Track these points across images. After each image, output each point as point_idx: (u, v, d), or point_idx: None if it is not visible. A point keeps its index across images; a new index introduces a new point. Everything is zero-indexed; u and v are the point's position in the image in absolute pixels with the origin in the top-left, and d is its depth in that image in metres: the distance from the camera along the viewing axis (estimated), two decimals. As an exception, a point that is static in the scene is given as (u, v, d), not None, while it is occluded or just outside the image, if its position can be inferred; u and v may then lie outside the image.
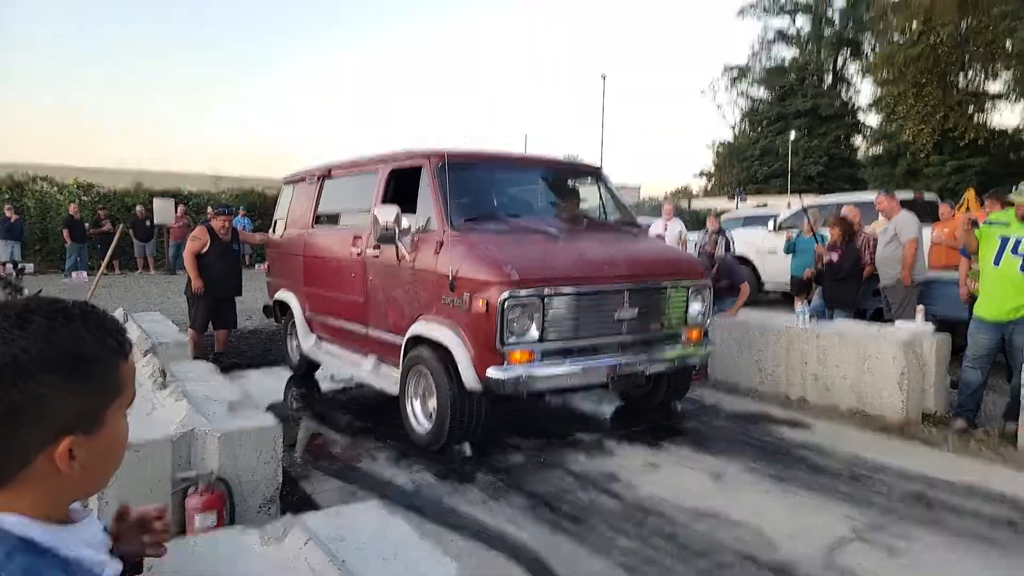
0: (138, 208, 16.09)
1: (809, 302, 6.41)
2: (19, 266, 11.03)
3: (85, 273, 14.07)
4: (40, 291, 5.42)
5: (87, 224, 15.39)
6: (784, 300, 10.28)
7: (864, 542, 3.02)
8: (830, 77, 38.00)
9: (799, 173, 33.26)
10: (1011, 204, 4.60)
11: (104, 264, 8.51)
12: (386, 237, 4.22)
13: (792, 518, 3.27)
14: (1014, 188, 4.69)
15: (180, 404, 3.03)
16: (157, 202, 16.05)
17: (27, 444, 0.73)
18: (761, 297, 10.97)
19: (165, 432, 2.77)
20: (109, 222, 15.44)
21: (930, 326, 5.28)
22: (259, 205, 18.01)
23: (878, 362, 4.93)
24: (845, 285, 6.36)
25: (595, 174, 5.40)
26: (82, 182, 17.26)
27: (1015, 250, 4.46)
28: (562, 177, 5.45)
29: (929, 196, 10.53)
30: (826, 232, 6.86)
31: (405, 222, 4.24)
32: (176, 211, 16.13)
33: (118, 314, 5.48)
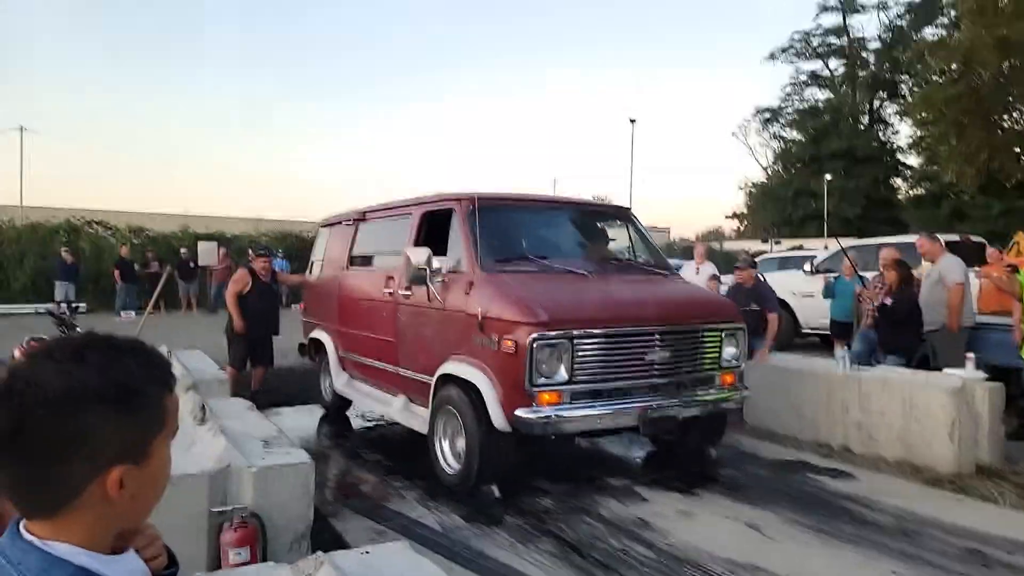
0: (182, 251, 16.67)
1: (849, 347, 6.23)
2: (72, 305, 11.48)
3: (133, 312, 14.53)
4: (92, 329, 5.63)
5: (137, 265, 15.98)
6: (822, 344, 10.03)
7: (912, 599, 2.87)
8: (866, 118, 37.65)
9: (836, 215, 32.71)
10: None
11: (151, 303, 8.79)
12: (418, 278, 4.29)
13: (835, 573, 3.13)
14: None
15: (218, 440, 3.08)
16: (201, 245, 16.56)
17: (80, 474, 0.76)
18: (798, 341, 10.73)
19: (203, 467, 2.81)
20: (157, 263, 16.01)
21: (981, 374, 5.08)
22: (297, 247, 18.49)
23: (926, 411, 4.74)
24: (903, 330, 6.12)
25: (624, 215, 5.42)
26: (133, 225, 18.03)
27: None
28: (591, 218, 5.50)
29: (976, 239, 10.26)
30: (867, 275, 6.72)
31: (436, 263, 4.31)
32: (219, 253, 16.65)
33: (161, 351, 5.64)
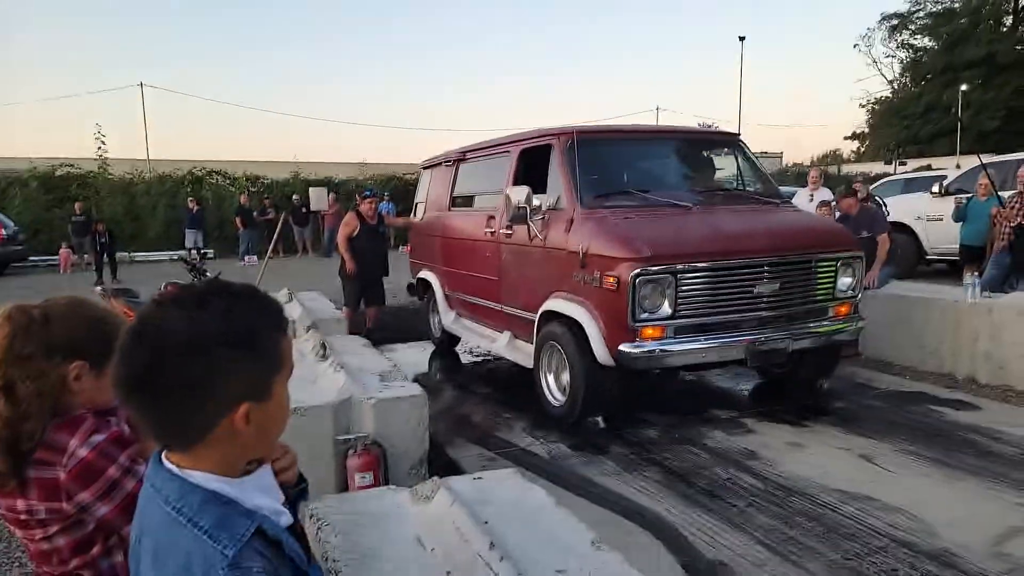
0: (294, 198, 17.56)
1: (980, 274, 5.74)
2: (202, 252, 12.52)
3: (255, 257, 15.64)
4: (219, 273, 6.14)
5: (255, 212, 17.07)
6: (951, 271, 9.27)
7: (1043, 536, 2.74)
8: (1010, 19, 32.99)
9: (971, 130, 29.38)
10: None
11: (270, 249, 9.44)
12: (518, 217, 4.34)
13: (955, 505, 3.03)
14: None
15: (339, 375, 3.35)
16: (312, 191, 17.31)
17: (212, 411, 0.84)
18: (923, 268, 9.97)
19: (327, 399, 3.08)
20: (273, 210, 17.02)
21: None
22: (401, 190, 19.01)
23: (1067, 339, 4.35)
24: None
25: (732, 142, 5.17)
26: (250, 174, 19.16)
27: None
28: (696, 147, 5.28)
29: None
30: (1005, 194, 6.08)
31: (536, 201, 4.33)
32: (328, 198, 17.42)
33: (283, 293, 6.09)
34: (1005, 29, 32.49)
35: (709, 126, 5.68)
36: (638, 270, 3.67)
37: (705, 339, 3.87)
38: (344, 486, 2.95)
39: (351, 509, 2.02)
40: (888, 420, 4.16)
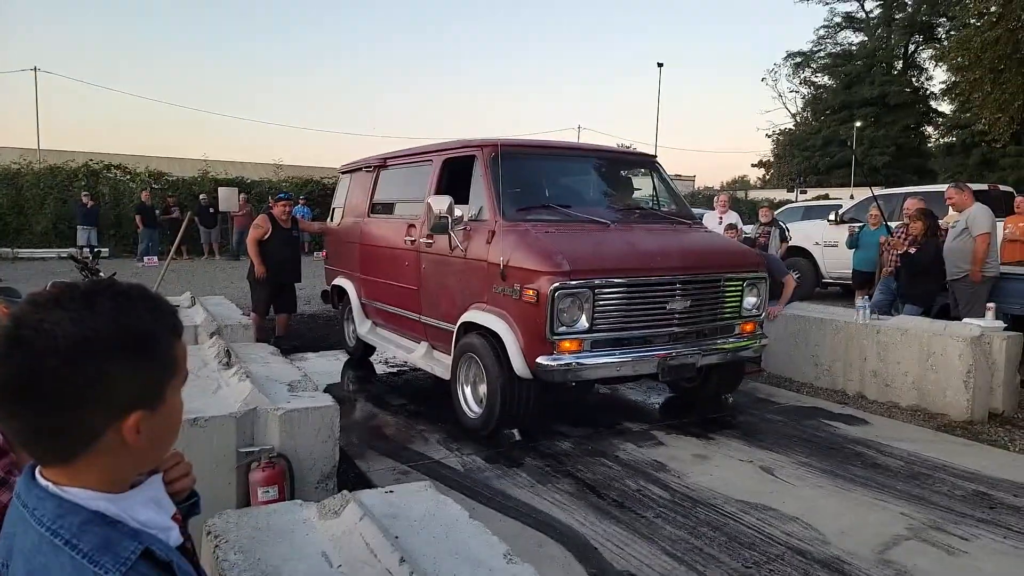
0: (201, 196, 16.73)
1: (870, 297, 6.19)
2: (95, 250, 11.69)
3: (156, 258, 14.75)
4: (115, 274, 5.74)
5: (157, 211, 16.13)
6: (843, 294, 9.97)
7: (921, 541, 2.95)
8: (900, 63, 36.25)
9: (864, 164, 31.92)
10: None
11: (173, 250, 8.92)
12: (439, 227, 4.30)
13: (846, 514, 3.21)
14: None
15: (244, 384, 3.18)
16: (222, 191, 16.68)
17: (97, 421, 0.77)
18: (819, 291, 10.66)
19: (229, 409, 2.92)
20: (178, 209, 16.13)
21: (1000, 324, 5.05)
22: (317, 194, 18.50)
23: (943, 359, 4.75)
24: (923, 280, 6.08)
25: (649, 164, 5.35)
26: (153, 170, 18.10)
27: None
28: (616, 167, 5.43)
29: (1005, 188, 9.99)
30: (893, 224, 6.60)
31: (458, 212, 4.31)
32: (239, 199, 16.73)
33: (186, 297, 5.76)
34: (896, 72, 35.55)
35: (628, 147, 5.86)
36: (557, 284, 3.71)
37: (620, 353, 3.95)
38: (246, 501, 2.80)
39: (253, 524, 1.91)
40: (786, 434, 4.38)
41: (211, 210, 16.56)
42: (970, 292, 5.84)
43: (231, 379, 3.33)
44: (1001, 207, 7.60)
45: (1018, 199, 7.79)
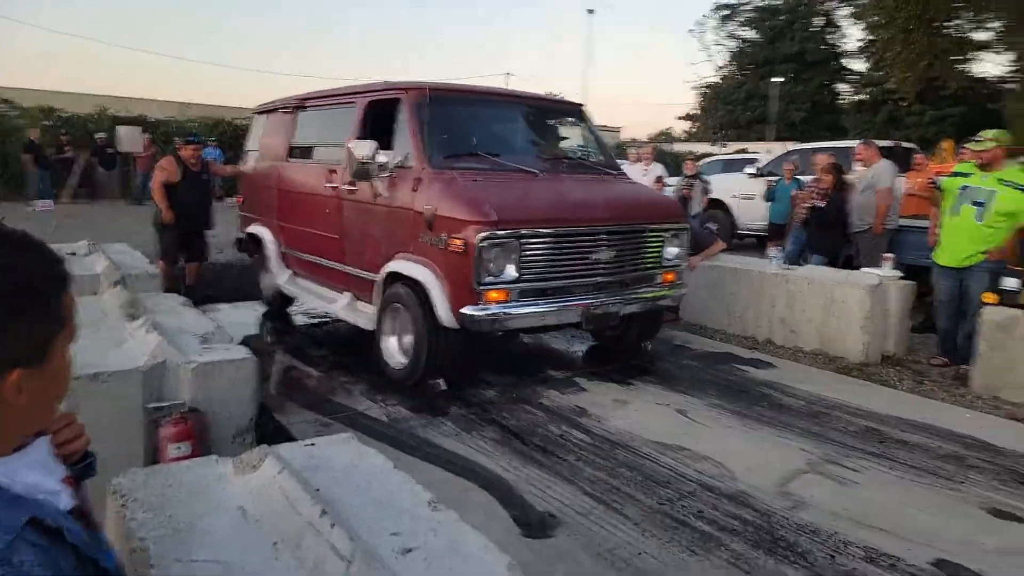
0: (99, 136, 15.48)
1: (782, 248, 6.49)
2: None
3: (51, 201, 13.62)
4: (3, 219, 5.27)
5: (50, 150, 14.83)
6: (758, 246, 10.41)
7: (818, 474, 3.18)
8: (820, 20, 37.26)
9: (783, 119, 33.03)
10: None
11: (69, 192, 8.26)
12: (362, 173, 4.14)
13: (752, 452, 3.42)
14: (972, 139, 4.78)
15: (151, 336, 3.01)
16: (122, 129, 15.45)
17: None
18: (736, 242, 11.09)
19: (135, 363, 2.76)
20: (72, 148, 14.88)
21: (897, 273, 5.42)
22: (229, 135, 17.47)
23: (844, 306, 5.06)
24: (829, 232, 6.41)
25: (578, 113, 5.32)
26: (44, 106, 16.51)
27: (973, 200, 4.59)
28: (544, 115, 5.36)
29: (907, 145, 10.60)
30: (805, 179, 6.88)
31: (382, 158, 4.16)
32: (143, 139, 15.59)
33: (83, 244, 5.37)
34: (815, 29, 36.54)
35: (556, 96, 5.79)
36: (485, 234, 3.67)
37: (546, 303, 3.99)
38: (156, 459, 2.69)
39: (163, 482, 1.83)
40: (700, 378, 4.59)
41: (111, 151, 15.37)
42: (871, 243, 6.22)
43: (137, 331, 3.14)
44: (904, 163, 8.07)
45: (917, 156, 8.29)
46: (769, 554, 2.52)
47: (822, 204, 6.41)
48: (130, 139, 15.36)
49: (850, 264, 6.33)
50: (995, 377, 4.32)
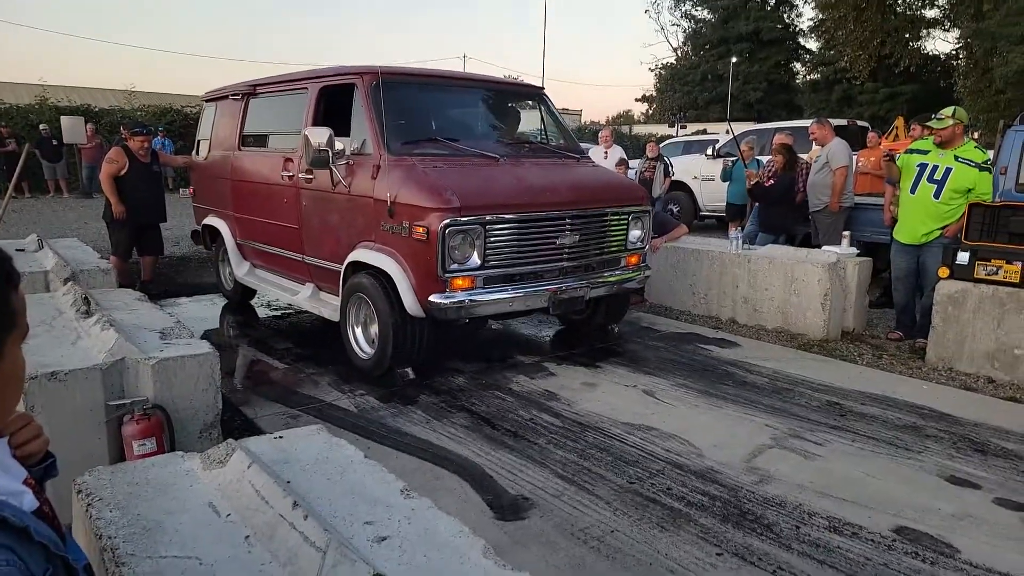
0: (42, 127, 14.84)
1: (742, 228, 6.61)
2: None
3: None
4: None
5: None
6: (719, 227, 10.57)
7: (782, 449, 3.27)
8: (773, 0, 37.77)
9: (739, 99, 33.47)
10: (932, 130, 4.80)
11: (12, 186, 7.91)
12: (319, 161, 4.06)
13: (718, 429, 3.49)
14: (932, 116, 4.89)
15: (107, 333, 2.92)
16: (65, 120, 14.81)
17: None
18: (697, 223, 11.24)
19: (93, 360, 2.67)
20: (14, 141, 14.25)
21: (854, 250, 5.56)
22: (179, 124, 16.93)
23: (804, 284, 5.18)
24: (776, 210, 6.57)
25: (538, 96, 5.29)
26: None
27: (931, 178, 4.71)
28: (503, 98, 5.32)
29: (861, 123, 10.87)
30: (763, 159, 7.00)
31: (339, 145, 4.08)
32: (87, 129, 15.00)
33: (31, 240, 5.17)
34: (769, 8, 37.00)
35: (515, 79, 5.76)
36: (448, 220, 3.64)
37: (512, 289, 3.98)
38: (121, 457, 2.62)
39: (129, 480, 1.79)
40: (666, 359, 4.66)
41: (54, 142, 14.76)
42: (829, 222, 6.37)
43: (92, 328, 3.04)
44: (858, 141, 8.28)
45: (870, 134, 8.50)
46: (737, 527, 2.58)
47: (766, 183, 6.54)
48: (73, 129, 14.75)
49: (809, 244, 6.48)
50: (949, 349, 4.48)
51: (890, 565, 2.37)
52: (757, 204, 6.99)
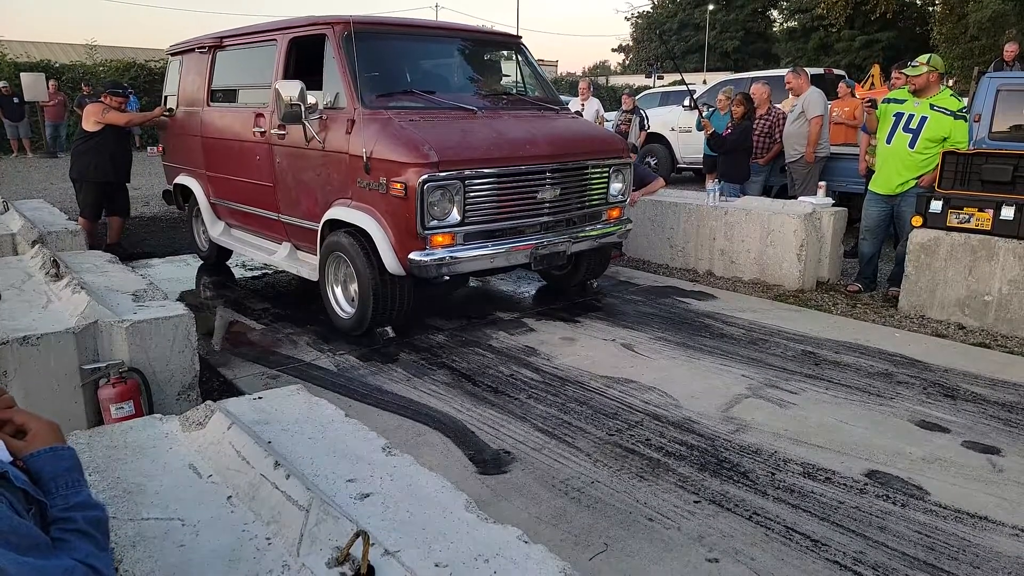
0: (1, 84, 14.25)
1: (720, 180, 6.60)
2: None
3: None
4: None
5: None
6: (697, 179, 10.55)
7: (758, 398, 3.34)
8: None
9: (716, 48, 33.08)
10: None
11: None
12: (291, 116, 3.95)
13: (695, 380, 3.55)
14: (909, 63, 4.87)
15: (79, 296, 2.86)
16: (26, 76, 14.24)
17: None
18: (675, 176, 11.21)
19: (66, 324, 2.63)
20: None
21: (829, 200, 5.60)
22: (143, 80, 16.33)
23: (780, 235, 5.22)
24: (734, 159, 6.50)
25: (515, 46, 5.16)
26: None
27: (906, 127, 4.71)
28: (480, 49, 5.18)
29: (838, 72, 10.80)
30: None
31: (311, 99, 3.97)
32: (48, 86, 14.43)
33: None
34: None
35: (491, 29, 5.60)
36: (426, 176, 3.58)
37: (493, 245, 3.95)
38: (99, 421, 2.60)
39: (107, 443, 1.78)
40: (645, 312, 4.70)
41: (15, 100, 14.20)
42: (804, 172, 6.39)
43: (63, 292, 2.98)
44: (835, 91, 8.22)
45: (840, 85, 8.44)
46: (714, 475, 2.65)
47: (722, 133, 6.49)
48: (34, 86, 14.19)
49: (785, 196, 6.50)
50: (921, 297, 4.57)
51: (862, 508, 2.45)
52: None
